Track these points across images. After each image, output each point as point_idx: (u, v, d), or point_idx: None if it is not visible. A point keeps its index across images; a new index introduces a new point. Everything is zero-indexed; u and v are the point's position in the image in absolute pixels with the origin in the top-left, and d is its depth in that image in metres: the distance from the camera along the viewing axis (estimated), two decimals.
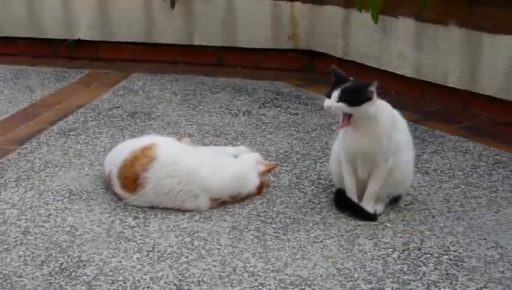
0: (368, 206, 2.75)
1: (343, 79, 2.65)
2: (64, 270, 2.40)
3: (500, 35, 3.76)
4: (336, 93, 2.60)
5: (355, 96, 2.59)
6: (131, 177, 2.76)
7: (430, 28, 4.06)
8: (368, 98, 2.60)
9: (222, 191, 2.80)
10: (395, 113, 2.75)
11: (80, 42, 4.94)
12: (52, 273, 2.39)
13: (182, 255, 2.50)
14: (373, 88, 2.61)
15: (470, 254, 2.53)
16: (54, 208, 2.83)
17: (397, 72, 4.24)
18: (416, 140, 3.52)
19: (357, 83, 2.66)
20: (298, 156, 3.33)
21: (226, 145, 3.42)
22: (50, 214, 2.78)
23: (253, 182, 2.87)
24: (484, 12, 3.82)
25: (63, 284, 2.33)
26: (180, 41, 4.84)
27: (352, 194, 2.77)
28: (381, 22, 4.24)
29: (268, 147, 3.44)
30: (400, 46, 4.21)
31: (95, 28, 4.91)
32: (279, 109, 3.99)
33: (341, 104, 2.59)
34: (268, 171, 2.98)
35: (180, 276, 2.37)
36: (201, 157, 2.85)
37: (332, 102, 2.61)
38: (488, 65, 3.84)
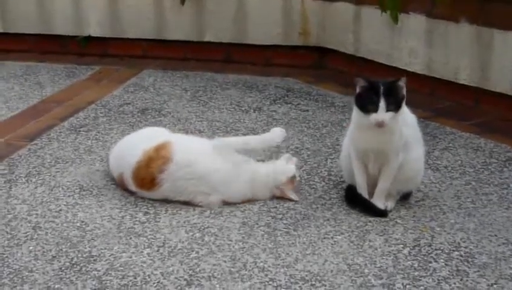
0: (379, 202, 2.74)
1: (375, 85, 2.58)
2: (75, 265, 2.41)
3: (511, 32, 3.74)
4: (382, 104, 2.54)
5: (397, 99, 2.58)
6: (148, 178, 2.78)
7: (441, 24, 4.04)
8: (404, 96, 2.60)
9: (232, 197, 2.81)
10: (404, 108, 2.74)
11: (90, 39, 4.95)
12: (63, 268, 2.39)
13: (193, 251, 2.50)
14: (403, 84, 2.61)
15: (481, 250, 2.52)
16: (65, 203, 2.84)
17: (408, 69, 4.22)
18: (427, 137, 3.51)
19: (391, 84, 2.60)
20: (309, 153, 3.33)
21: None
22: (61, 210, 2.79)
23: (265, 193, 2.85)
24: (496, 9, 3.80)
25: (73, 279, 2.34)
26: (191, 37, 4.84)
27: (363, 190, 2.76)
28: (392, 18, 4.24)
29: (280, 144, 3.43)
30: (411, 42, 4.19)
31: (105, 25, 4.91)
32: (289, 105, 3.98)
33: (391, 113, 2.56)
34: (288, 186, 2.86)
35: (190, 271, 2.38)
36: (217, 161, 2.81)
37: (383, 115, 2.55)
38: (499, 62, 3.82)
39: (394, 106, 2.56)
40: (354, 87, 2.64)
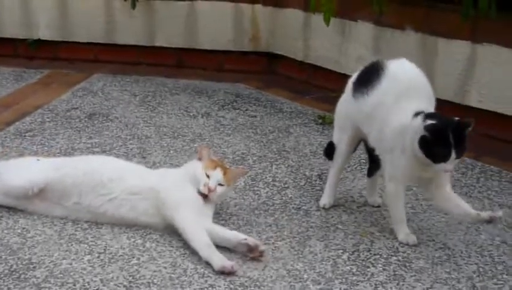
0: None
1: (447, 134, 2.39)
2: (14, 273, 2.39)
3: (454, 40, 3.82)
4: (453, 155, 2.40)
5: (465, 147, 2.43)
6: None
7: (388, 32, 4.11)
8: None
9: None
10: None
11: (40, 42, 4.91)
12: (1, 276, 2.37)
13: (133, 257, 2.50)
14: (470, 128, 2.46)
15: (418, 255, 2.57)
16: (6, 209, 2.80)
17: None
18: None
19: (462, 132, 2.42)
20: (254, 158, 3.36)
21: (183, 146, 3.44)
22: (2, 216, 2.75)
23: None
24: (439, 17, 3.88)
25: (11, 287, 2.31)
26: (142, 42, 4.84)
27: (403, 222, 2.65)
28: (341, 25, 4.30)
29: (225, 149, 3.45)
30: (359, 49, 4.25)
31: (54, 28, 4.88)
32: (238, 111, 4.00)
33: (457, 160, 2.45)
34: None
35: (130, 278, 2.38)
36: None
37: (452, 165, 2.44)
38: (443, 70, 3.89)
39: (462, 153, 2.43)
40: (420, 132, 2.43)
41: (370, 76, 2.67)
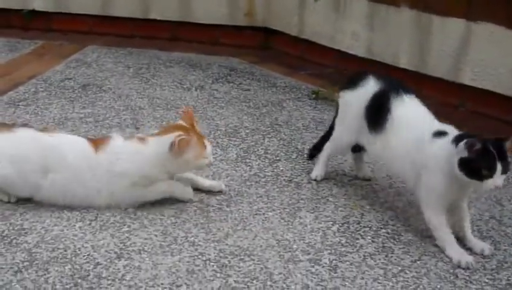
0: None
1: (489, 149, 2.28)
2: (5, 238, 2.40)
3: (449, 17, 3.82)
4: (500, 169, 2.27)
5: (508, 160, 2.32)
6: None
7: (383, 8, 4.10)
8: None
9: None
10: None
11: (34, 13, 4.89)
12: None
13: (125, 225, 2.51)
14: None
15: (408, 228, 2.59)
16: None
17: (350, 52, 4.29)
18: None
19: (503, 145, 2.32)
20: (247, 131, 3.36)
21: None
22: None
23: None
24: None
25: (3, 251, 2.33)
26: (136, 14, 4.82)
27: (456, 244, 2.45)
28: (336, 1, 4.30)
29: (218, 122, 3.46)
30: (353, 26, 4.25)
31: None
32: (231, 84, 4.01)
33: (504, 176, 2.32)
34: None
35: (121, 245, 2.39)
36: None
37: (502, 179, 2.30)
38: (437, 47, 3.90)
39: (508, 168, 2.31)
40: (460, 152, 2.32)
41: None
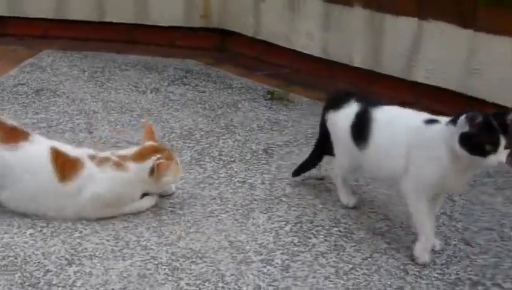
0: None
1: (491, 121, 2.18)
2: None
3: (402, 16, 3.86)
4: (503, 143, 2.16)
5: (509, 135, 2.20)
6: None
7: (337, 8, 4.13)
8: None
9: None
10: None
11: None
12: None
13: (76, 231, 2.50)
14: None
15: (360, 226, 2.62)
16: None
17: (305, 52, 4.31)
18: (317, 117, 3.60)
19: (504, 117, 2.20)
20: (202, 133, 3.36)
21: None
22: None
23: None
24: None
25: None
26: (92, 17, 4.78)
27: (432, 239, 2.45)
28: (291, 2, 4.32)
29: (173, 124, 3.45)
30: (308, 26, 4.28)
31: (3, 3, 4.78)
32: (187, 86, 4.00)
33: (507, 151, 2.19)
34: None
35: (72, 251, 2.38)
36: None
37: (505, 155, 2.19)
38: (391, 46, 3.94)
39: (510, 141, 2.18)
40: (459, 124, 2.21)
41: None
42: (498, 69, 3.50)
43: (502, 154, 2.17)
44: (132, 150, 2.65)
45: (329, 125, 2.74)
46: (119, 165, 2.56)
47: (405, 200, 2.44)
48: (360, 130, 2.55)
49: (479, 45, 3.57)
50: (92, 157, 2.57)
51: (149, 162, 2.56)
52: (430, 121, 2.38)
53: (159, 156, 2.58)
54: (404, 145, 2.39)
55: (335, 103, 2.72)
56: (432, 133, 2.33)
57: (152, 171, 2.55)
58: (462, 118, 2.20)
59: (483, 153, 2.17)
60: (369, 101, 2.63)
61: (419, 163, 2.35)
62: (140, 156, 2.60)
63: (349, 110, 2.62)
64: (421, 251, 2.42)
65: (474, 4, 3.53)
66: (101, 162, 2.57)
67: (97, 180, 2.52)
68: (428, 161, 2.32)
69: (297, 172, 2.92)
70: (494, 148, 2.16)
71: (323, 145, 2.82)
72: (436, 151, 2.29)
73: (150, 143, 2.66)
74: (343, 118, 2.64)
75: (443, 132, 2.28)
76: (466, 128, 2.19)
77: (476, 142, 2.17)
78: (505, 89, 3.48)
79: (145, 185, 2.61)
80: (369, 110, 2.56)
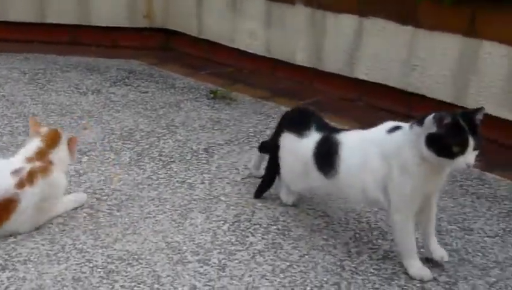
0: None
1: (459, 121, 2.10)
2: None
3: (342, 14, 3.90)
4: (472, 144, 2.09)
5: (479, 135, 2.12)
6: None
7: (279, 6, 4.15)
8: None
9: None
10: None
11: None
12: None
13: (11, 236, 2.46)
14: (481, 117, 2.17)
15: (298, 223, 2.63)
16: None
17: (249, 51, 4.32)
18: (262, 116, 3.63)
19: (473, 117, 2.13)
20: (142, 134, 3.34)
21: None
22: None
23: None
24: None
25: None
26: (32, 19, 4.72)
27: (415, 255, 2.34)
28: (232, 1, 4.32)
29: (114, 125, 3.43)
30: (251, 24, 4.29)
31: None
32: (129, 87, 3.97)
33: (476, 152, 2.12)
34: None
35: (6, 256, 2.34)
36: None
37: (473, 157, 2.11)
38: (332, 43, 3.98)
39: (479, 142, 2.11)
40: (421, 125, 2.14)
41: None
42: (438, 65, 3.56)
43: (470, 156, 2.10)
44: (33, 146, 2.56)
45: (283, 148, 2.64)
46: (46, 169, 2.51)
47: (391, 224, 2.37)
48: (326, 157, 2.46)
49: (419, 41, 3.62)
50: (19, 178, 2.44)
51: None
52: (392, 130, 2.30)
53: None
54: (376, 162, 2.30)
55: (291, 124, 2.63)
56: (396, 141, 2.25)
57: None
58: (430, 118, 2.12)
59: (451, 155, 2.10)
60: (328, 127, 2.55)
61: (393, 176, 2.24)
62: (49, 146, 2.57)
63: (310, 140, 2.52)
64: (418, 271, 2.32)
65: (413, 1, 3.58)
66: (30, 176, 2.45)
67: (32, 199, 2.44)
68: (399, 171, 2.22)
69: (259, 193, 2.80)
70: (462, 149, 2.09)
71: (277, 163, 2.70)
72: (403, 158, 2.21)
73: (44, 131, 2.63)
74: (304, 146, 2.54)
75: (407, 135, 2.21)
76: (433, 129, 2.11)
77: (444, 144, 2.09)
78: (445, 85, 3.54)
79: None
80: (332, 136, 2.48)
